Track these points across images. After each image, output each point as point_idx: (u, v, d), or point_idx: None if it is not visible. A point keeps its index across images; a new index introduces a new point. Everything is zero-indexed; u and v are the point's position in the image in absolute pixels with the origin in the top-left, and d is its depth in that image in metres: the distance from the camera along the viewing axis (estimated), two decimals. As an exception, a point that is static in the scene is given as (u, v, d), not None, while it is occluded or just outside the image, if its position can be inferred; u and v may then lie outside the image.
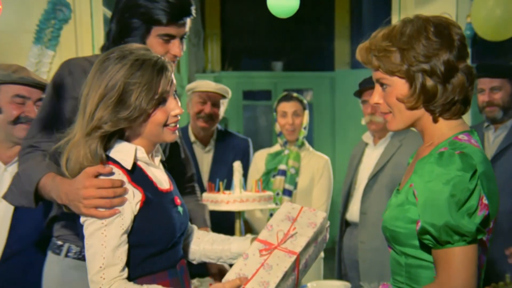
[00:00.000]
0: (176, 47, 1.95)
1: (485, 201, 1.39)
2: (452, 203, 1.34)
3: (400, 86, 1.49)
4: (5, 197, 1.79)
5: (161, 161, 1.77)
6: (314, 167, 3.41)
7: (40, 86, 2.27)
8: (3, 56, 3.71)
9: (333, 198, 3.52)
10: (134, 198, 1.56)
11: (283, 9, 3.17)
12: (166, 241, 1.62)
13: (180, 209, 1.71)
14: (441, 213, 1.35)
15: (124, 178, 1.57)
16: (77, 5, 3.83)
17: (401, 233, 1.47)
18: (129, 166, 1.59)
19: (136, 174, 1.61)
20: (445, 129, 1.51)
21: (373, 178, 3.18)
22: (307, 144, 3.51)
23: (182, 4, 1.94)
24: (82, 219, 1.57)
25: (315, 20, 8.39)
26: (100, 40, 4.04)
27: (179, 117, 1.66)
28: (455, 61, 1.45)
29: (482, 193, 1.39)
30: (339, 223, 3.41)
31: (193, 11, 1.99)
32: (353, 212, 3.28)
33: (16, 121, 2.21)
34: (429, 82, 1.45)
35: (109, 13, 4.68)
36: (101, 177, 1.54)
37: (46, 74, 3.74)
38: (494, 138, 3.15)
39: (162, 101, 1.60)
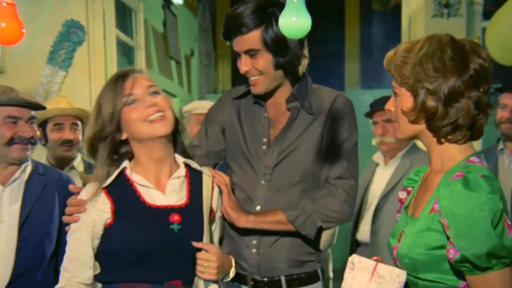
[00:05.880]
0: (241, 63, 1.97)
1: (509, 222, 1.39)
2: (490, 228, 1.34)
3: (406, 98, 1.51)
4: None
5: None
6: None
7: (31, 105, 2.24)
8: (17, 76, 3.78)
9: (344, 218, 3.50)
10: (103, 206, 1.68)
11: (295, 30, 3.17)
12: (141, 252, 1.64)
13: (175, 226, 1.70)
14: (483, 240, 1.34)
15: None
16: (91, 27, 3.89)
17: (420, 260, 1.47)
18: (104, 184, 1.70)
19: (117, 188, 1.70)
20: (454, 151, 1.51)
21: (384, 198, 3.17)
22: (318, 164, 3.50)
23: (226, 23, 1.95)
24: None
25: (326, 41, 8.44)
26: (113, 61, 4.09)
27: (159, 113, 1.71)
28: (462, 87, 1.45)
29: (505, 214, 1.38)
30: (350, 243, 3.40)
31: (236, 30, 1.93)
32: (364, 232, 3.27)
33: (10, 142, 2.18)
34: (430, 101, 1.46)
35: (122, 35, 4.75)
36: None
37: (57, 93, 3.79)
38: (509, 162, 3.07)
39: (131, 102, 1.69)
